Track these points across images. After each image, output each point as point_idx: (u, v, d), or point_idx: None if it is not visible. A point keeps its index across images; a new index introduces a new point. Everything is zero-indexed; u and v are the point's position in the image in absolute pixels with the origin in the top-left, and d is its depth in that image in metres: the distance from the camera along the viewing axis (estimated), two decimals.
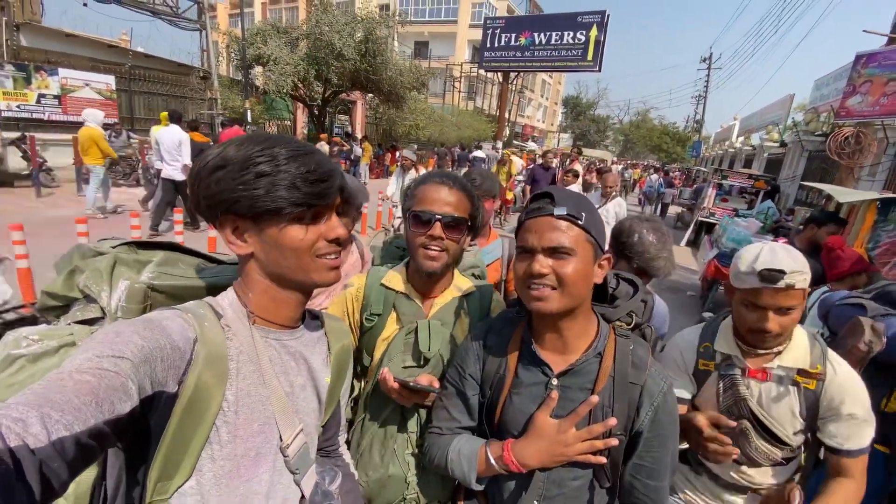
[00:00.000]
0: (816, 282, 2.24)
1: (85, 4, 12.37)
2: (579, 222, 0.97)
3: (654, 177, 16.97)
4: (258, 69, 17.35)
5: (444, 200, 1.25)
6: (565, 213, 0.96)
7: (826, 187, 5.67)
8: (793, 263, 1.21)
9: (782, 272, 1.20)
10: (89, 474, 0.81)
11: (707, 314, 5.17)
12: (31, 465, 0.44)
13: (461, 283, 1.41)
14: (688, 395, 1.47)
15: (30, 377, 0.73)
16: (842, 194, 4.83)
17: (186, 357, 0.67)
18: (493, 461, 1.03)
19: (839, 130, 7.93)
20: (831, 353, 1.34)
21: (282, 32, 16.50)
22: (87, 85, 11.64)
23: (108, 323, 0.83)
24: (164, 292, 0.85)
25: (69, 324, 0.83)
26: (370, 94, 20.05)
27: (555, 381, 1.04)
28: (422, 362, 1.29)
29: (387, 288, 1.35)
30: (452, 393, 1.17)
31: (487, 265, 1.65)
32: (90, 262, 0.86)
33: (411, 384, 1.13)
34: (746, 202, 10.16)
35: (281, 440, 0.81)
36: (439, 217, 1.24)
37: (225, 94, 15.72)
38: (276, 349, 0.81)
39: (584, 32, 16.41)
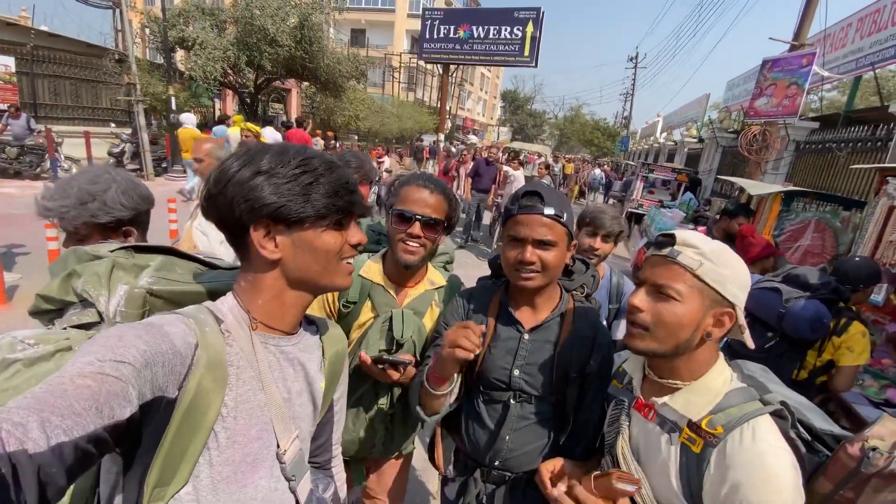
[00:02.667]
0: None
1: None
2: (562, 220, 1.17)
3: (597, 171, 18.38)
4: (181, 53, 16.12)
5: (425, 202, 1.36)
6: (553, 213, 1.16)
7: (738, 181, 6.30)
8: (690, 237, 0.97)
9: (671, 238, 0.98)
10: (83, 482, 0.79)
11: None
12: (28, 470, 0.44)
13: (434, 277, 1.52)
14: None
15: (25, 381, 0.71)
16: (752, 187, 5.40)
17: (187, 362, 0.67)
18: (424, 380, 1.20)
19: (748, 129, 8.82)
20: (763, 424, 0.87)
21: (207, 14, 15.42)
22: None
23: (105, 328, 0.81)
24: (163, 297, 0.85)
25: (65, 328, 0.81)
26: (306, 83, 19.31)
27: (526, 336, 1.27)
28: (394, 348, 1.39)
29: (364, 278, 1.44)
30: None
31: None
32: (88, 266, 0.84)
33: (385, 357, 1.28)
34: (670, 193, 11.04)
35: (278, 447, 0.81)
36: (419, 217, 1.35)
37: (145, 79, 14.39)
38: (274, 355, 0.82)
39: (521, 28, 16.78)
